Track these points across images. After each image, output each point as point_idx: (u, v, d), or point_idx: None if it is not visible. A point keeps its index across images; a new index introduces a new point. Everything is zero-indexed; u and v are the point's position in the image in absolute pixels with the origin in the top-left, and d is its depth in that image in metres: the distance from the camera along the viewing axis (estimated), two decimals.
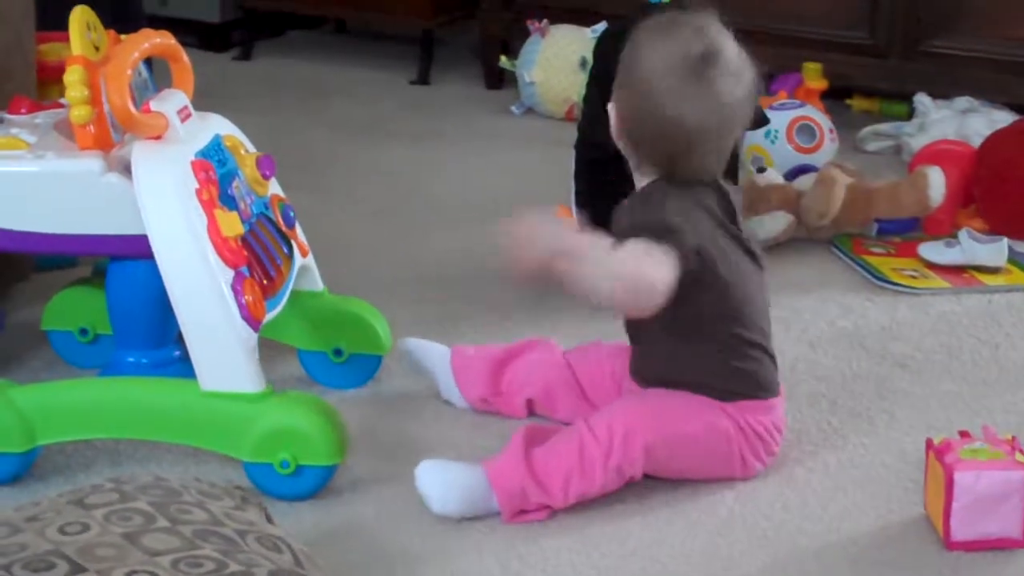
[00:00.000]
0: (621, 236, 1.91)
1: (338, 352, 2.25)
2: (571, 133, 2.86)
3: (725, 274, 1.95)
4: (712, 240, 1.95)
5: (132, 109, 1.91)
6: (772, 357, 2.03)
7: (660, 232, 1.88)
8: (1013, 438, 1.91)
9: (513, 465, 1.90)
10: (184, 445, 1.99)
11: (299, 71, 4.25)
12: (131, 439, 2.03)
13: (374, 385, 2.28)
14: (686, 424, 1.96)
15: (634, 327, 2.03)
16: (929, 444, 1.92)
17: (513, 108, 3.88)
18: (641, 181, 2.01)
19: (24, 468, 1.98)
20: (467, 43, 4.39)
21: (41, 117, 2.12)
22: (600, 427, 1.92)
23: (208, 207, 1.92)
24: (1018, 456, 1.87)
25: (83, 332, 2.30)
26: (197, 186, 1.92)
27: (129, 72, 1.91)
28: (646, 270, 1.85)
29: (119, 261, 2.07)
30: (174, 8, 4.30)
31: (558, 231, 1.92)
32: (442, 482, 1.90)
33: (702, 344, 1.98)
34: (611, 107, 2.01)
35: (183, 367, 2.05)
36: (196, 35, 4.26)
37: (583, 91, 3.69)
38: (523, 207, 1.96)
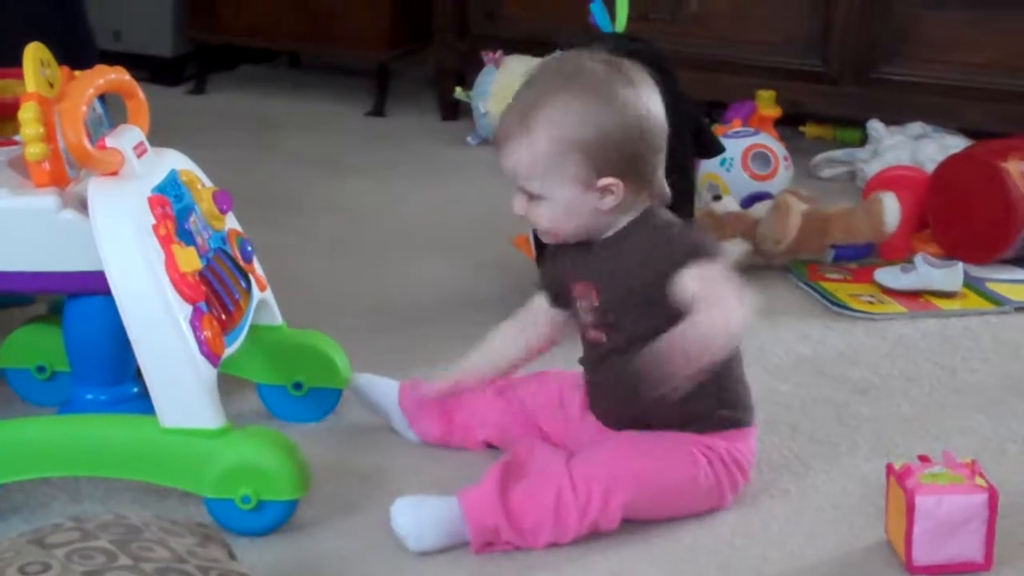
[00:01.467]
0: (666, 274, 1.88)
1: (298, 386, 2.24)
2: None
3: None
4: None
5: (88, 146, 1.90)
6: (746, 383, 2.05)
7: (711, 251, 1.90)
8: (973, 462, 1.92)
9: (489, 501, 1.88)
10: (145, 482, 1.97)
11: (253, 105, 4.25)
12: (91, 477, 2.01)
13: (334, 418, 2.27)
14: (666, 481, 1.95)
15: (614, 367, 1.99)
16: (890, 469, 1.93)
17: (469, 139, 3.89)
18: (620, 223, 1.97)
19: None
20: (421, 75, 4.40)
21: None
22: (580, 479, 1.90)
23: (165, 243, 1.91)
24: (978, 480, 1.88)
25: (40, 369, 2.28)
26: (154, 222, 1.91)
27: (84, 109, 1.90)
28: (727, 332, 1.85)
29: (76, 298, 2.06)
30: (127, 43, 4.30)
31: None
32: (417, 520, 1.88)
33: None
34: (574, 173, 1.91)
35: (142, 403, 2.03)
36: (149, 70, 4.26)
37: None
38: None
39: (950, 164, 3.04)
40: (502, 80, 3.79)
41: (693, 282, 1.86)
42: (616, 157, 1.90)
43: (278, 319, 2.23)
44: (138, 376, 2.05)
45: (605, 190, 1.92)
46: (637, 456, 1.96)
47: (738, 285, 1.86)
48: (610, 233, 1.98)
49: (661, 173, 1.97)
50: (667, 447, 1.97)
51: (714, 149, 2.78)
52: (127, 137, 1.99)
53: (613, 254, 1.97)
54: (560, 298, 2.08)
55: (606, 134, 1.90)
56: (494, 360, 2.14)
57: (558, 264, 2.06)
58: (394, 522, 1.89)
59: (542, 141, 1.91)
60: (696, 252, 1.89)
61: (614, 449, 1.98)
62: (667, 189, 1.99)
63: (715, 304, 1.83)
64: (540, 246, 2.70)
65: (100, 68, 2.02)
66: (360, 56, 4.29)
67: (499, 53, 3.85)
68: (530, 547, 1.90)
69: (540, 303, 2.12)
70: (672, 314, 1.85)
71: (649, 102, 1.94)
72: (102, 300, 1.97)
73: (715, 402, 1.99)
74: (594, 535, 1.93)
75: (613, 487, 1.91)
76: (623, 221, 1.97)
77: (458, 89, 3.96)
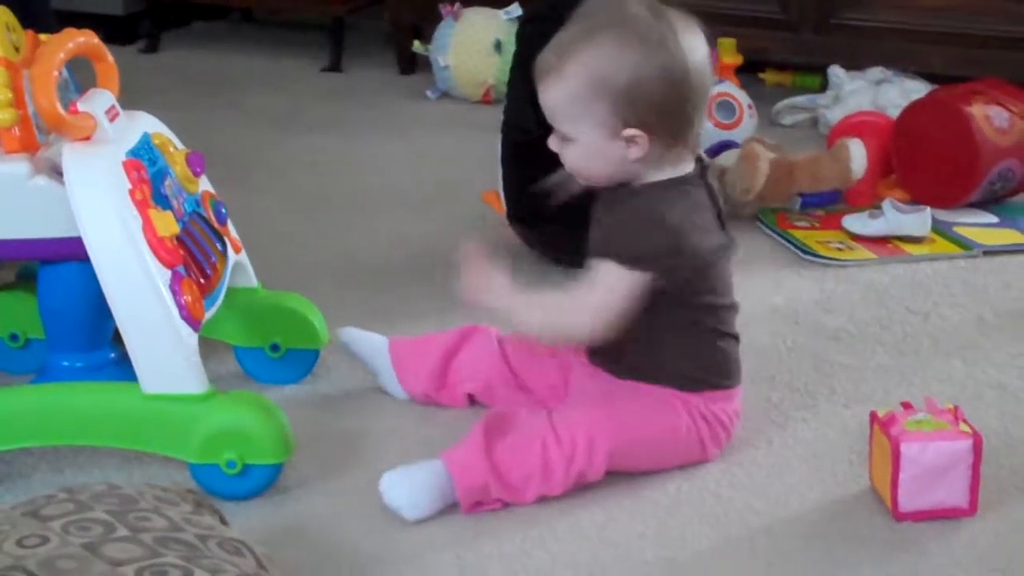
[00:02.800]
0: (595, 248, 1.92)
1: (275, 348, 2.23)
2: (488, 116, 2.86)
3: (715, 265, 1.98)
4: (708, 232, 1.96)
5: (61, 111, 1.87)
6: (738, 341, 2.05)
7: (633, 260, 1.89)
8: (955, 408, 1.93)
9: (475, 459, 1.88)
10: (128, 449, 1.96)
11: (208, 62, 4.22)
12: (73, 445, 1.99)
13: (312, 380, 2.26)
14: (647, 428, 1.95)
15: None
16: (874, 417, 1.94)
17: (428, 93, 3.87)
18: (650, 176, 1.96)
19: None
20: (377, 29, 4.37)
21: None
22: (564, 432, 1.91)
23: (142, 207, 1.89)
24: (962, 426, 1.89)
25: (13, 338, 2.25)
26: (130, 186, 1.89)
27: (56, 73, 1.88)
28: (570, 325, 1.96)
29: (49, 264, 2.03)
30: (76, 1, 4.24)
31: (496, 290, 1.95)
32: (409, 490, 1.87)
33: (686, 333, 1.97)
34: (599, 125, 1.91)
35: (119, 369, 2.02)
36: (100, 28, 4.18)
37: (499, 74, 3.71)
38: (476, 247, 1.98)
39: (915, 109, 3.05)
40: (462, 33, 3.78)
41: (589, 272, 1.92)
42: (645, 108, 1.88)
43: (253, 281, 2.22)
44: (114, 341, 2.04)
45: (630, 141, 1.90)
46: (617, 405, 1.97)
47: (614, 305, 1.91)
48: (636, 184, 1.96)
49: (697, 129, 1.95)
50: (646, 398, 1.98)
51: None
52: (99, 101, 1.96)
53: (610, 208, 1.97)
54: None
55: (637, 83, 1.87)
56: None
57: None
58: (386, 496, 1.87)
59: (573, 81, 1.89)
60: (612, 251, 1.90)
61: (595, 401, 1.99)
62: (699, 146, 1.98)
63: (575, 303, 1.93)
64: (512, 201, 2.69)
65: (69, 31, 1.99)
66: (315, 10, 4.25)
67: (457, 5, 3.83)
68: (519, 502, 1.91)
69: None
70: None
71: (691, 55, 1.89)
72: (76, 266, 1.96)
73: (697, 364, 2.00)
74: (580, 490, 1.93)
75: (596, 435, 1.91)
76: (654, 175, 1.95)
77: (416, 43, 3.94)
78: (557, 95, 1.92)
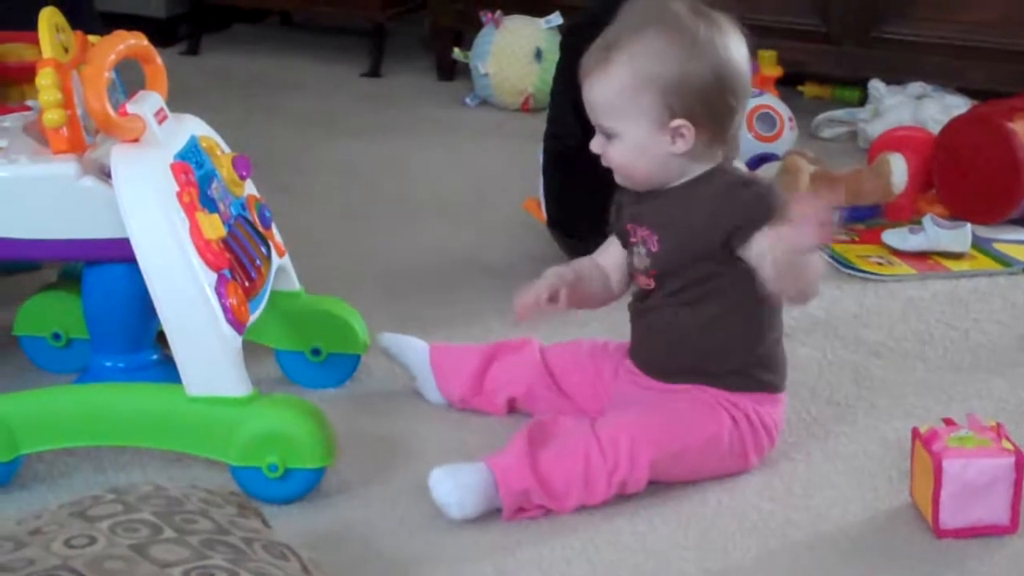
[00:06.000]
0: (752, 229, 1.90)
1: (316, 352, 2.24)
2: (527, 124, 2.86)
3: None
4: None
5: (111, 112, 1.88)
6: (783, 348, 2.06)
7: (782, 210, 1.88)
8: (998, 425, 1.92)
9: (518, 465, 1.89)
10: (170, 451, 1.97)
11: (248, 65, 4.23)
12: (116, 446, 2.00)
13: (352, 384, 2.26)
14: (690, 437, 1.95)
15: (660, 313, 2.02)
16: (915, 433, 1.93)
17: (467, 100, 3.87)
18: (691, 172, 1.98)
19: (7, 477, 1.94)
20: (416, 35, 4.37)
21: (9, 120, 2.09)
22: (606, 440, 1.91)
23: (189, 210, 1.90)
24: (1004, 443, 1.88)
25: (56, 337, 2.26)
26: (177, 189, 1.90)
27: (107, 75, 1.89)
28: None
29: (95, 265, 2.04)
30: (118, 3, 4.25)
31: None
32: (457, 488, 1.88)
33: (748, 323, 1.97)
34: (646, 118, 1.93)
35: (161, 370, 2.04)
36: (141, 30, 4.20)
37: (539, 83, 3.71)
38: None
39: (957, 125, 3.03)
40: (502, 41, 3.78)
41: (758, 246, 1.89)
42: (691, 100, 1.91)
43: (296, 285, 2.23)
44: (157, 343, 2.05)
45: (676, 132, 1.92)
46: (661, 414, 1.97)
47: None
48: (680, 182, 1.98)
49: (737, 127, 1.97)
50: (691, 406, 1.98)
51: None
52: (148, 103, 1.98)
53: (681, 203, 1.97)
54: (623, 241, 2.08)
55: (684, 75, 1.90)
56: (589, 279, 2.09)
57: (622, 206, 2.06)
58: (434, 492, 1.88)
59: (619, 75, 1.92)
60: (773, 214, 1.89)
61: (639, 409, 1.99)
62: (738, 148, 2.00)
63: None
64: (553, 210, 2.69)
65: (120, 33, 2.01)
66: (355, 16, 4.26)
67: (498, 13, 3.83)
68: (560, 509, 1.91)
69: (615, 246, 2.11)
70: (722, 270, 1.94)
71: (733, 51, 1.93)
72: (122, 267, 1.97)
73: (752, 359, 2.00)
74: (620, 499, 1.93)
75: (639, 445, 1.92)
76: (694, 171, 1.97)
77: (456, 50, 3.95)
78: (604, 90, 1.94)
